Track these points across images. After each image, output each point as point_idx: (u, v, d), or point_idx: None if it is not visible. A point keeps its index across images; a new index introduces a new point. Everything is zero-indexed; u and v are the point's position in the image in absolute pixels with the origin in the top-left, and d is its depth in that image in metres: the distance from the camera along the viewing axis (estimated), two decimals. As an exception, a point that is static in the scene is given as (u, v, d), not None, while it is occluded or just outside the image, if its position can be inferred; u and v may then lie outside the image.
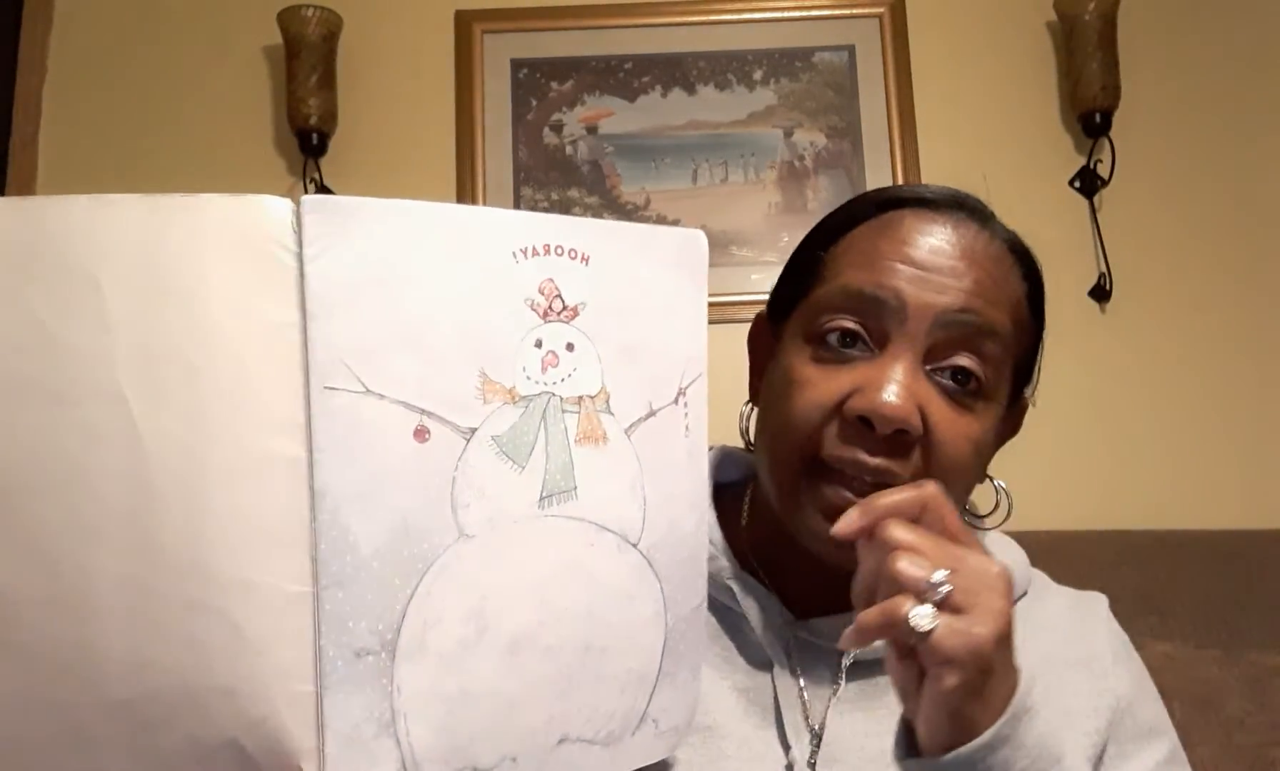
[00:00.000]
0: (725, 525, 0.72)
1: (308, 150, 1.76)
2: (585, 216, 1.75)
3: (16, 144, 1.77)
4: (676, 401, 0.56)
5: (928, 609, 0.50)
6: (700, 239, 0.58)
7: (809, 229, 0.74)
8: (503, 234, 0.50)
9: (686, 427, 0.57)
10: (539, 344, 0.51)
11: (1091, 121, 1.72)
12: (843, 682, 0.67)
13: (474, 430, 0.49)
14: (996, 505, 0.73)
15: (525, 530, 0.50)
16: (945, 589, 0.50)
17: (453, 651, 0.48)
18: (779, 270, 0.74)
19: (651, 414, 0.55)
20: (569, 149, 1.83)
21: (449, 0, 1.83)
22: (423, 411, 0.47)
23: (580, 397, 0.52)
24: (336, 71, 1.77)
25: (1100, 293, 1.69)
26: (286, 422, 0.44)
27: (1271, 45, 1.80)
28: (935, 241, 0.66)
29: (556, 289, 0.51)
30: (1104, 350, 1.70)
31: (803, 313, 0.68)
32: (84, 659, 0.44)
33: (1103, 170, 1.74)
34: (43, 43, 1.81)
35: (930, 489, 0.55)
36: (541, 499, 0.51)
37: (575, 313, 0.52)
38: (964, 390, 0.64)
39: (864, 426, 0.62)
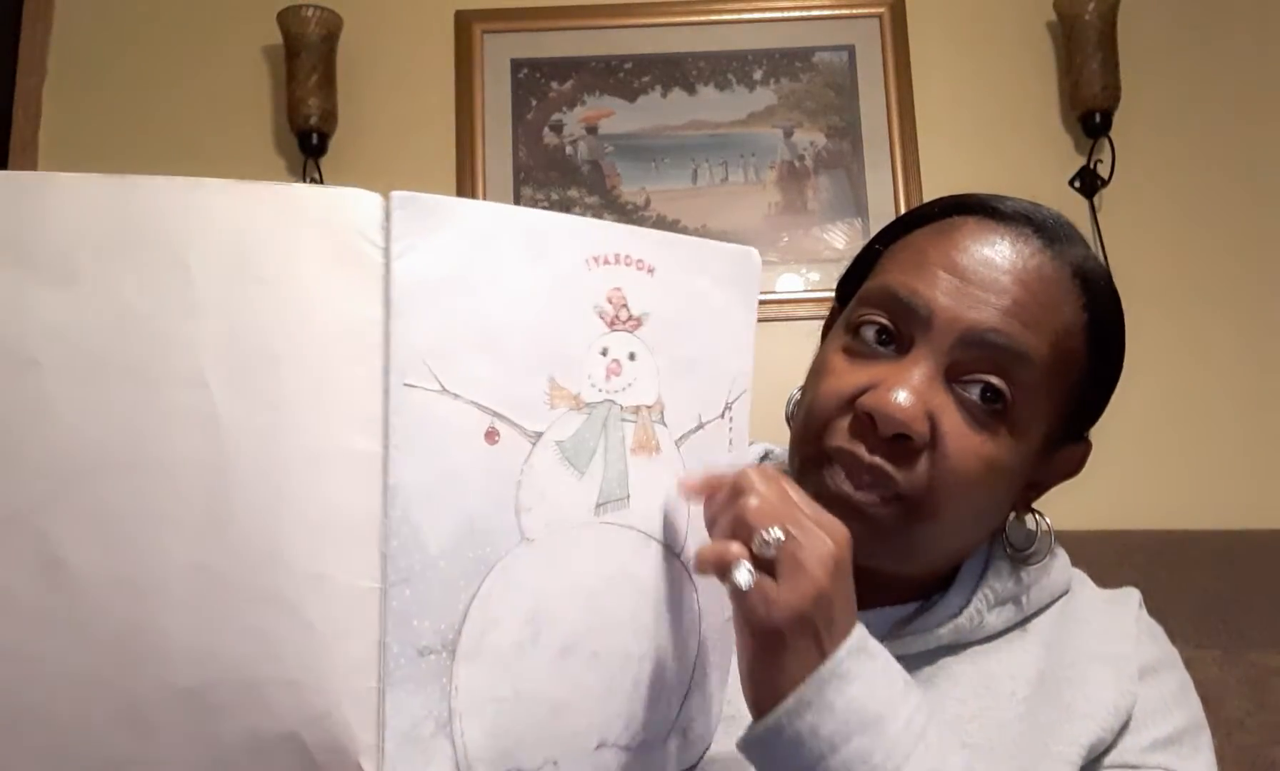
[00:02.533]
0: None
1: (308, 150, 1.76)
2: (584, 216, 1.75)
3: (16, 144, 1.78)
4: (723, 416, 0.57)
5: (746, 568, 0.51)
6: (754, 257, 0.58)
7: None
8: (578, 240, 0.50)
9: (730, 442, 0.57)
10: (605, 352, 0.51)
11: (1091, 121, 1.72)
12: None
13: (540, 435, 0.49)
14: (1035, 541, 0.70)
15: (581, 536, 0.51)
16: (771, 551, 0.51)
17: (509, 654, 0.48)
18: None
19: (700, 427, 0.56)
20: (569, 149, 1.82)
21: (449, 0, 1.83)
22: (495, 413, 0.47)
23: (638, 407, 0.53)
24: (336, 71, 1.77)
25: (1100, 293, 1.69)
26: (365, 417, 0.44)
27: (1271, 45, 1.80)
28: (986, 253, 0.64)
29: (624, 298, 0.52)
30: (1104, 350, 1.70)
31: (851, 304, 0.69)
32: (148, 643, 0.44)
33: (1103, 170, 1.74)
34: (43, 43, 1.81)
35: (773, 469, 0.55)
36: (598, 506, 0.51)
37: (639, 323, 0.52)
38: (986, 409, 0.62)
39: (870, 424, 0.62)
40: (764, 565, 0.51)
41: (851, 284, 0.72)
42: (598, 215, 1.78)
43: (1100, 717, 0.65)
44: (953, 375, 0.63)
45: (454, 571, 0.46)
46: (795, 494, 0.54)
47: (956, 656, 0.67)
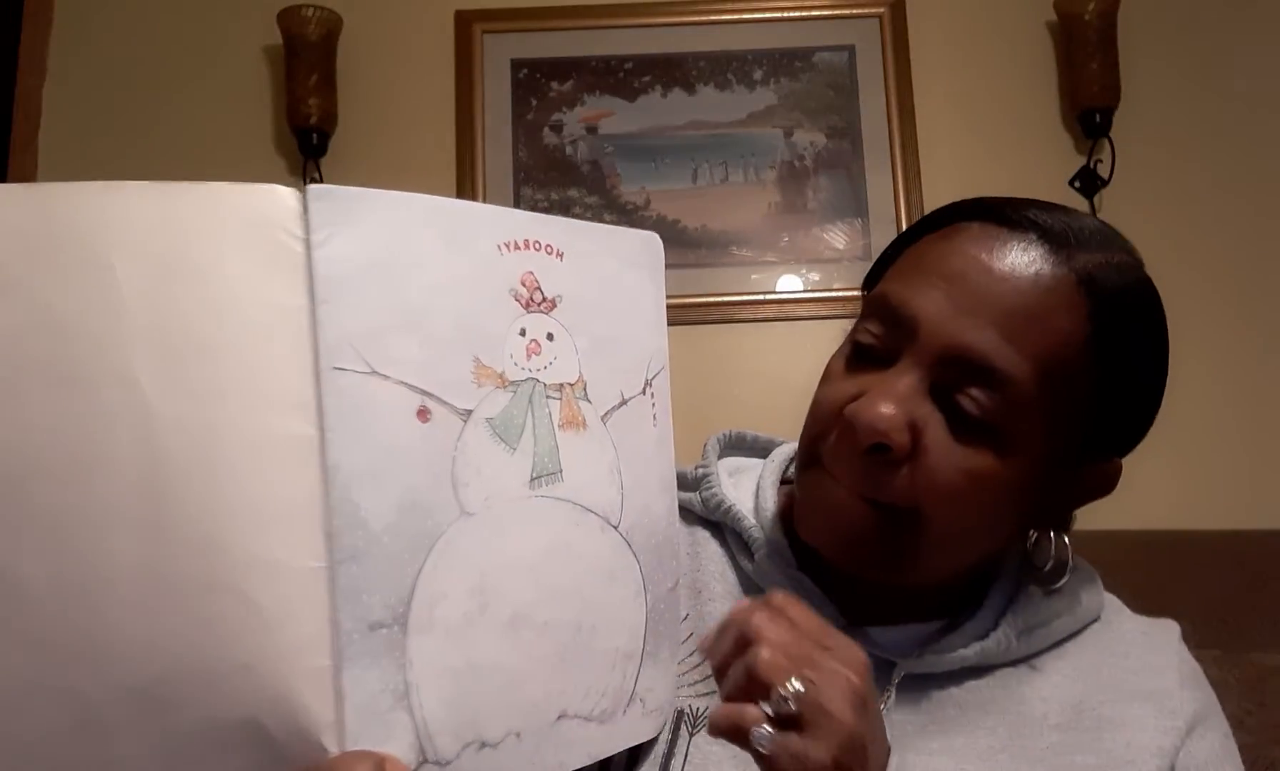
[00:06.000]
0: (787, 524, 0.69)
1: (308, 150, 1.76)
2: (585, 217, 1.75)
3: (16, 144, 1.78)
4: (644, 392, 0.59)
5: (766, 733, 0.50)
6: (656, 241, 0.61)
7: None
8: (489, 227, 0.53)
9: (654, 417, 0.60)
10: (523, 332, 0.53)
11: (1091, 121, 1.72)
12: (893, 694, 0.65)
13: (470, 412, 0.51)
14: (1052, 558, 0.68)
15: (519, 509, 0.52)
16: (792, 706, 0.50)
17: (459, 626, 0.50)
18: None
19: (623, 402, 0.58)
20: (569, 149, 1.82)
21: (449, 0, 1.83)
22: (424, 392, 0.49)
23: (561, 385, 0.55)
24: (336, 71, 1.77)
25: (1100, 293, 1.69)
26: (298, 402, 0.46)
27: (1272, 45, 1.80)
28: (983, 260, 0.61)
29: (536, 281, 0.54)
30: (1104, 350, 1.70)
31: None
32: (99, 645, 0.44)
33: (1103, 170, 1.74)
34: (43, 43, 1.81)
35: (779, 598, 0.55)
36: (532, 480, 0.53)
37: (554, 304, 0.55)
38: (972, 423, 0.60)
39: (855, 434, 0.61)
40: (786, 717, 0.50)
41: (871, 284, 0.71)
42: (598, 216, 1.78)
43: (1142, 763, 0.63)
44: (940, 387, 0.61)
45: (398, 546, 0.48)
46: (803, 618, 0.54)
47: (984, 679, 0.66)
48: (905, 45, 1.82)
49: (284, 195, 0.46)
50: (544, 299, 0.54)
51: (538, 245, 0.54)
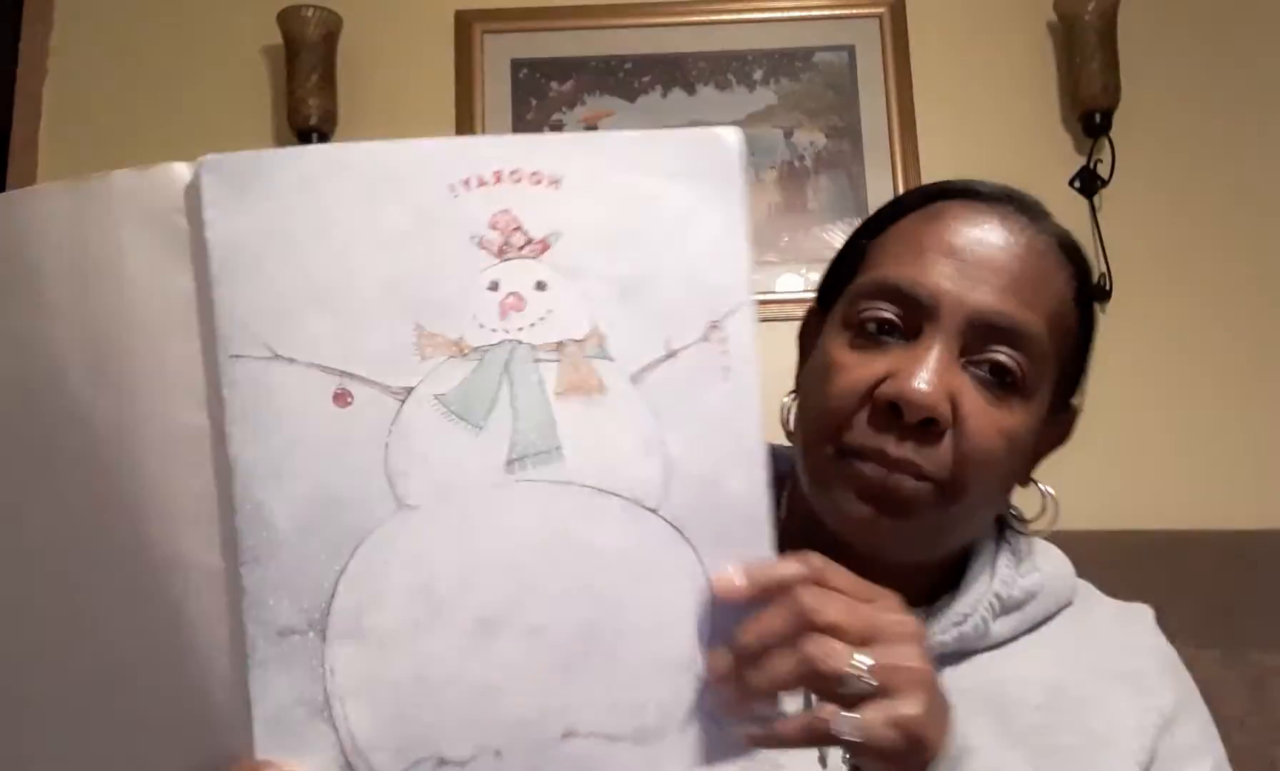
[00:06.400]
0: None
1: (308, 150, 1.75)
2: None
3: (16, 144, 1.77)
4: (707, 338, 0.48)
5: (851, 718, 0.46)
6: (725, 138, 0.48)
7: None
8: (433, 168, 0.45)
9: (726, 368, 0.48)
10: (494, 286, 0.46)
11: (1091, 121, 1.72)
12: None
13: (410, 390, 0.45)
14: (1043, 510, 0.72)
15: (489, 498, 0.45)
16: (869, 680, 0.46)
17: (398, 633, 0.45)
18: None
19: (670, 355, 0.47)
20: (569, 149, 1.82)
21: (449, 0, 1.83)
22: (341, 373, 0.44)
23: (560, 343, 0.46)
24: (336, 71, 1.77)
25: (1100, 293, 1.69)
26: (198, 394, 0.43)
27: (1271, 45, 1.80)
28: (978, 234, 0.65)
29: (516, 221, 0.46)
30: (1104, 350, 1.68)
31: (845, 300, 0.68)
32: (46, 645, 0.44)
33: (1103, 170, 1.74)
34: (43, 43, 1.81)
35: (816, 559, 0.50)
36: (510, 462, 0.45)
37: (545, 246, 0.46)
38: (1000, 384, 0.63)
39: (893, 413, 0.62)
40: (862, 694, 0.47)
41: (834, 284, 0.71)
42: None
43: (1123, 743, 0.64)
44: (964, 355, 0.63)
45: (310, 547, 0.44)
46: (845, 580, 0.50)
47: (962, 665, 0.67)
48: (905, 45, 1.81)
49: (176, 173, 0.44)
50: (529, 241, 0.46)
51: (515, 176, 0.46)
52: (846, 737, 0.46)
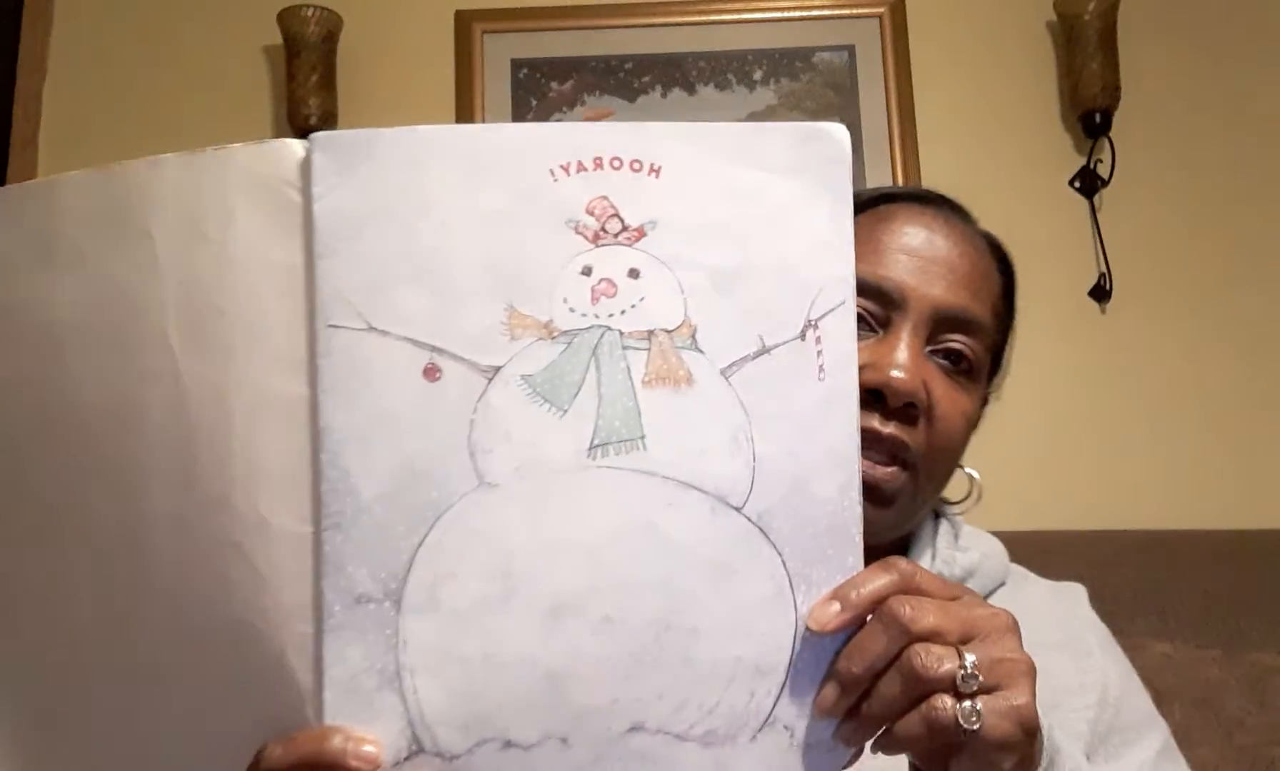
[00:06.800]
0: None
1: (308, 150, 1.76)
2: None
3: (16, 144, 1.77)
4: (803, 336, 0.47)
5: (969, 706, 0.45)
6: (832, 134, 0.48)
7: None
8: (536, 151, 0.46)
9: (820, 368, 0.47)
10: (587, 271, 0.46)
11: (1091, 121, 1.72)
12: None
13: (497, 369, 0.45)
14: (968, 493, 0.78)
15: (569, 482, 0.45)
16: (979, 677, 0.46)
17: (471, 609, 0.45)
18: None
19: (764, 352, 0.47)
20: (569, 149, 1.82)
21: (449, 0, 1.83)
22: (433, 348, 0.45)
23: (650, 332, 0.46)
24: (336, 71, 1.77)
25: (1100, 293, 1.69)
26: (295, 362, 0.45)
27: (1272, 45, 1.80)
28: (929, 234, 0.71)
29: (612, 208, 0.46)
30: (1104, 350, 1.70)
31: None
32: (139, 591, 0.46)
33: (1103, 170, 1.74)
34: (43, 43, 1.81)
35: (903, 563, 0.49)
36: (593, 448, 0.45)
37: (641, 234, 0.46)
38: (958, 369, 0.71)
39: (874, 400, 0.66)
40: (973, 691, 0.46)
41: None
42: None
43: (1065, 704, 0.68)
44: (927, 344, 0.70)
45: (391, 517, 0.44)
46: (930, 581, 0.48)
47: None
48: (905, 45, 1.81)
49: (291, 149, 0.46)
50: (624, 228, 0.46)
51: (616, 162, 0.46)
52: (964, 726, 0.45)
